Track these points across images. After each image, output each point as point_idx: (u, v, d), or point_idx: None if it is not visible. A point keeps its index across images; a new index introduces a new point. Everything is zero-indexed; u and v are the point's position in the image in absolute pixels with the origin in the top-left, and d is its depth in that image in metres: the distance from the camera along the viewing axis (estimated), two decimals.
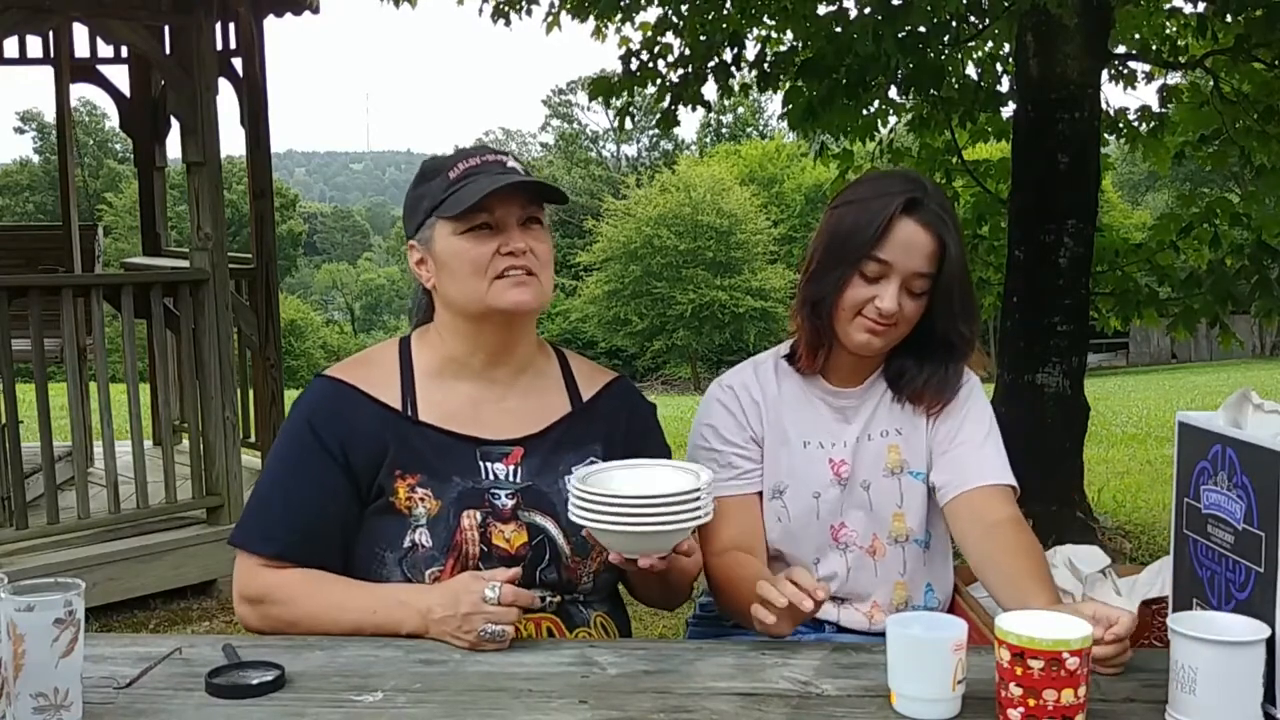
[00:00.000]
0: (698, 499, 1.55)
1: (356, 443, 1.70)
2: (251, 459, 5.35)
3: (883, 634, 1.41)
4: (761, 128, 47.54)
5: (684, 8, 6.35)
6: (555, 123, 49.06)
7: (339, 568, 1.70)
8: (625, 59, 6.60)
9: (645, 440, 1.85)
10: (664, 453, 1.87)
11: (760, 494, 1.94)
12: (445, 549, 1.66)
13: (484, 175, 1.69)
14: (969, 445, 1.89)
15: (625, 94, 6.68)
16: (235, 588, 1.72)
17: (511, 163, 1.74)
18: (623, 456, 1.78)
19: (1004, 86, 6.64)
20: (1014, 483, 1.87)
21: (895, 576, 1.94)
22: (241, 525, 1.74)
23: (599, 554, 1.70)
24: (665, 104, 6.52)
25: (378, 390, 1.75)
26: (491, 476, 1.72)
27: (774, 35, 6.61)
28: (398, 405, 1.74)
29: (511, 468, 1.73)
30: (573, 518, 1.56)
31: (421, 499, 1.68)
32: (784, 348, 1.99)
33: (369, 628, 1.63)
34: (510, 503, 1.70)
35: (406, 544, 1.67)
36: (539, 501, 1.71)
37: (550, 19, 6.58)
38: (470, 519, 1.67)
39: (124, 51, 6.18)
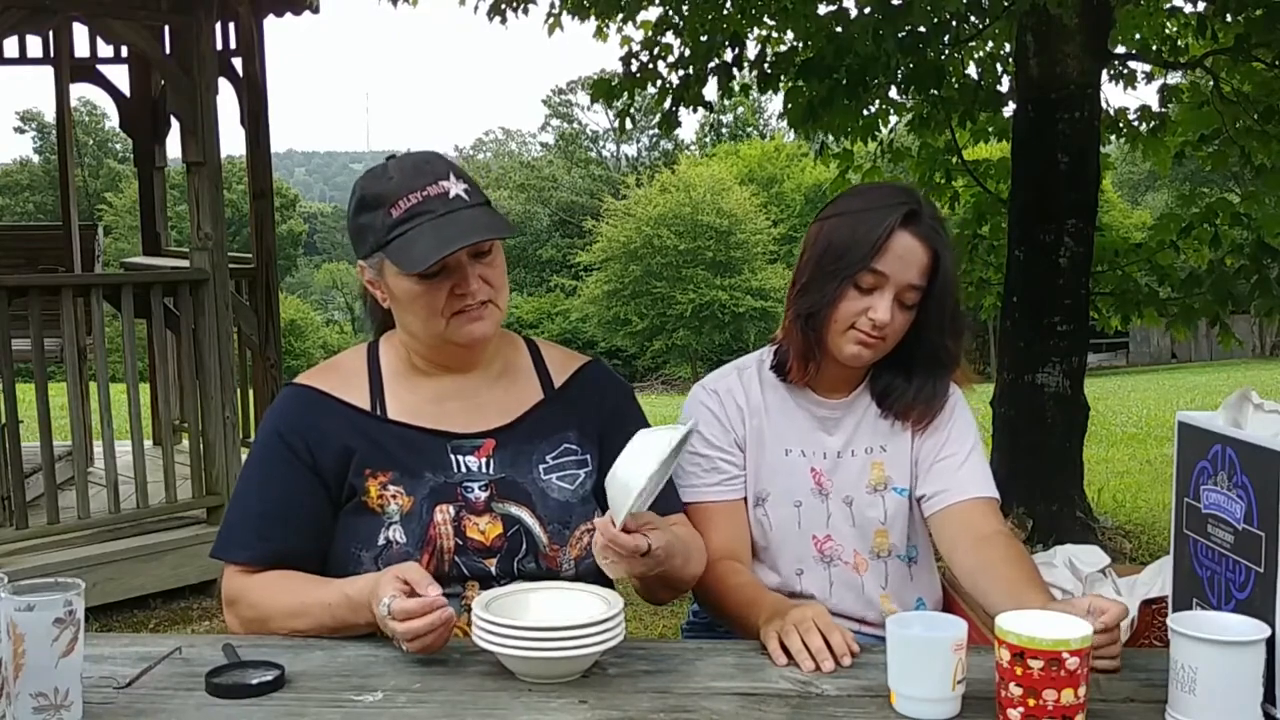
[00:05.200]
0: (607, 627, 1.45)
1: (324, 446, 1.70)
2: None
3: (874, 636, 1.41)
4: (761, 128, 47.51)
5: (684, 7, 6.34)
6: (555, 123, 48.99)
7: (316, 570, 1.70)
8: (625, 60, 6.60)
9: (620, 422, 1.80)
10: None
11: (745, 500, 1.93)
12: (420, 544, 1.66)
13: (428, 218, 1.61)
14: (956, 458, 1.90)
15: (625, 95, 6.68)
16: (221, 593, 1.74)
17: (455, 189, 1.64)
18: (599, 441, 1.78)
19: (1004, 86, 6.63)
20: (998, 496, 1.89)
21: (879, 591, 1.94)
22: (219, 536, 1.74)
23: (577, 540, 1.70)
24: (666, 105, 6.52)
25: (345, 393, 1.75)
26: (463, 470, 1.71)
27: (774, 35, 6.61)
28: (366, 406, 1.74)
29: (483, 460, 1.72)
30: (477, 642, 1.47)
31: (393, 496, 1.68)
32: (767, 354, 1.98)
33: (328, 630, 1.62)
34: (484, 495, 1.69)
35: (381, 542, 1.67)
36: (513, 492, 1.71)
37: (551, 20, 6.58)
38: (443, 513, 1.67)
39: (124, 51, 6.20)
